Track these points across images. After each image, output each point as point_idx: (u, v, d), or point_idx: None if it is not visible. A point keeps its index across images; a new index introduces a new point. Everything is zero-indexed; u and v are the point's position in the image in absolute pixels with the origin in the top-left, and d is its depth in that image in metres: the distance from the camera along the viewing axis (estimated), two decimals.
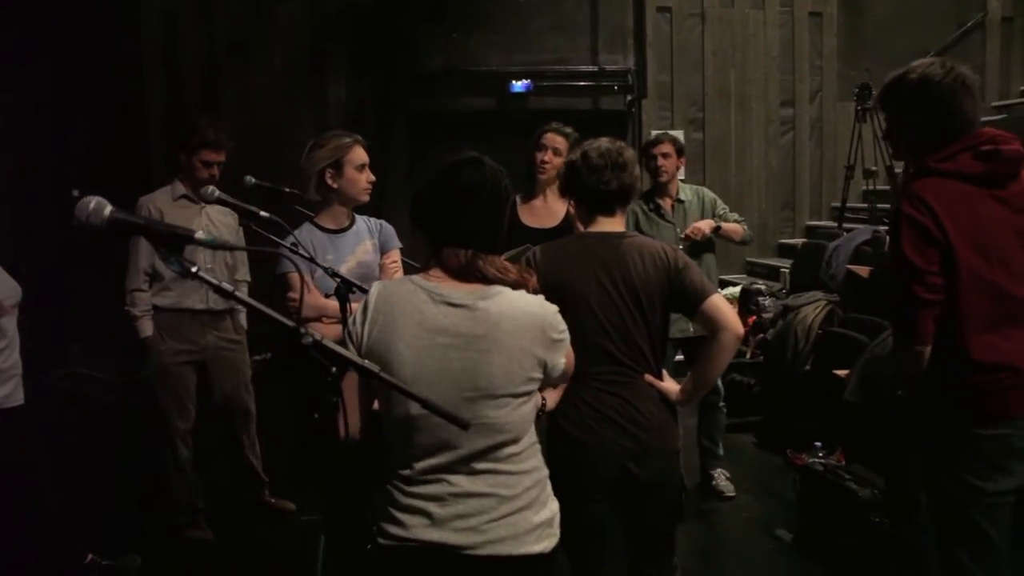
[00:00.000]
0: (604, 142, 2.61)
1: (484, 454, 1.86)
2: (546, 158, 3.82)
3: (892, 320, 2.40)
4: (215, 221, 4.01)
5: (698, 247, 4.46)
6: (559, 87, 7.92)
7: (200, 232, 1.38)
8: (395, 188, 8.06)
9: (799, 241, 7.65)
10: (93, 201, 1.35)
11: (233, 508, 4.41)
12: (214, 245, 1.39)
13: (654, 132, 4.61)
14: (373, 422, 1.93)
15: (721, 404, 4.73)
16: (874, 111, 6.61)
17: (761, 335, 5.95)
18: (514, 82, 7.83)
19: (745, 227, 4.63)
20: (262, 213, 2.65)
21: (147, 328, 3.95)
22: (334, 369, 1.38)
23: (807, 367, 5.18)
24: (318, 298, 2.93)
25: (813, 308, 5.38)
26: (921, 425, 2.44)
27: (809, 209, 8.44)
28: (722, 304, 2.46)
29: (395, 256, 3.23)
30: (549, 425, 2.53)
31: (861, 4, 8.36)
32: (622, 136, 8.34)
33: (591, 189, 2.55)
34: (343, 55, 7.64)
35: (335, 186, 3.03)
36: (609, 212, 2.56)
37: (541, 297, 1.96)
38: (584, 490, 2.46)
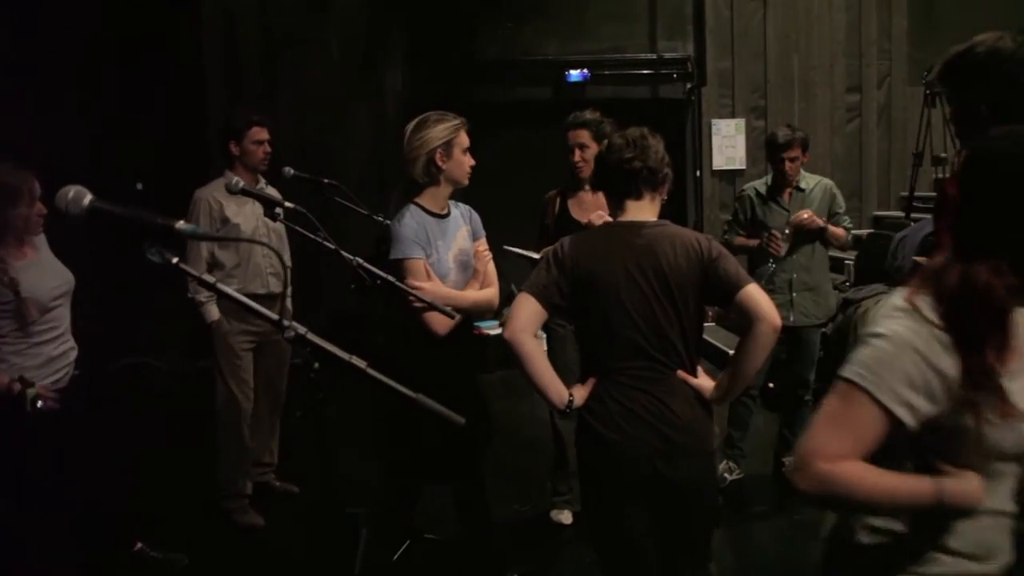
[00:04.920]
0: (631, 130, 2.53)
1: None
2: (575, 158, 3.79)
3: None
4: None
5: (806, 236, 4.36)
6: (617, 76, 7.81)
7: (181, 222, 1.33)
8: None
9: (865, 232, 7.37)
10: (72, 190, 1.32)
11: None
12: (196, 236, 1.34)
13: (780, 132, 4.32)
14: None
15: (808, 399, 4.58)
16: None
17: (822, 330, 5.73)
18: (571, 71, 7.75)
19: (850, 232, 4.54)
20: (287, 204, 2.61)
21: (213, 313, 4.06)
22: (317, 365, 1.31)
23: None
24: (441, 286, 2.89)
25: (874, 302, 5.13)
26: None
27: (877, 199, 8.13)
28: (758, 294, 2.32)
29: (484, 243, 3.19)
30: (578, 423, 2.44)
31: None
32: (681, 125, 8.17)
33: (614, 170, 2.45)
34: (399, 45, 7.64)
35: (444, 167, 2.96)
36: (636, 195, 2.44)
37: None
38: (613, 490, 2.37)
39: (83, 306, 3.53)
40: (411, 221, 2.90)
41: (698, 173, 7.99)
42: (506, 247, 3.85)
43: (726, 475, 4.49)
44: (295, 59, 7.41)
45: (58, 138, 5.66)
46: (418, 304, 2.79)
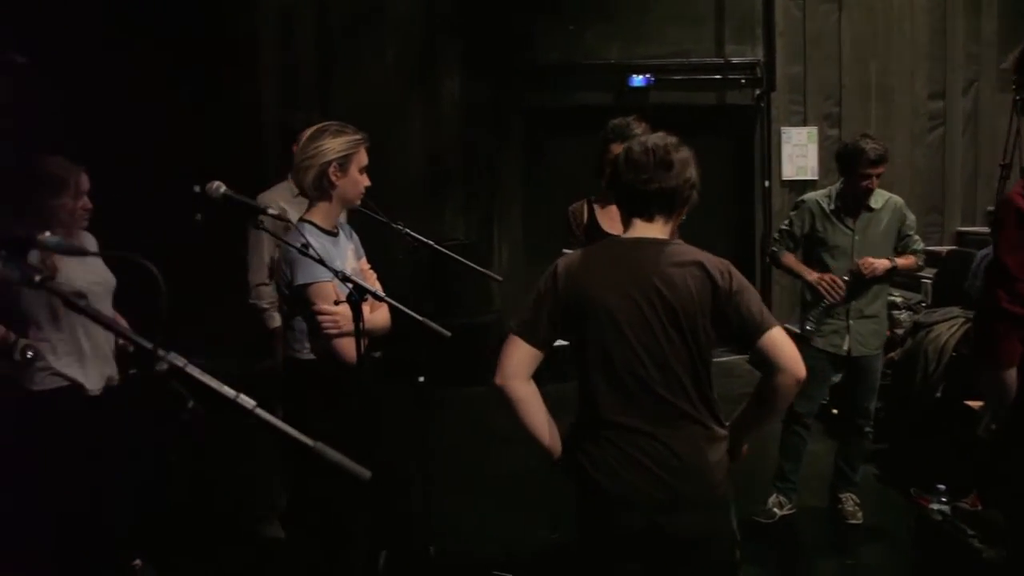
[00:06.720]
0: (656, 137, 2.23)
1: None
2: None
3: (974, 336, 1.95)
4: None
5: (871, 280, 3.99)
6: (682, 81, 7.50)
7: (48, 233, 1.14)
8: (510, 185, 7.85)
9: (946, 248, 6.87)
10: None
11: None
12: (61, 249, 1.15)
13: (868, 145, 3.91)
14: None
15: (867, 430, 4.21)
16: None
17: (890, 354, 5.32)
18: (634, 76, 7.48)
19: (921, 256, 4.11)
20: (270, 210, 2.44)
21: (276, 319, 3.84)
22: (191, 404, 1.11)
23: (938, 394, 4.55)
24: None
25: (948, 326, 4.73)
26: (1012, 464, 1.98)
27: (961, 213, 7.60)
28: (782, 339, 2.04)
29: (366, 262, 3.01)
30: (574, 467, 2.18)
31: None
32: (750, 132, 7.81)
33: (628, 187, 2.18)
34: (456, 49, 7.48)
35: (337, 184, 2.75)
36: (647, 216, 2.17)
37: None
38: (609, 546, 2.10)
39: (140, 306, 3.44)
40: (312, 241, 2.66)
41: (767, 183, 7.59)
42: (564, 250, 3.65)
43: (775, 510, 4.16)
44: (351, 64, 7.34)
45: (108, 140, 5.67)
46: (331, 331, 2.56)
